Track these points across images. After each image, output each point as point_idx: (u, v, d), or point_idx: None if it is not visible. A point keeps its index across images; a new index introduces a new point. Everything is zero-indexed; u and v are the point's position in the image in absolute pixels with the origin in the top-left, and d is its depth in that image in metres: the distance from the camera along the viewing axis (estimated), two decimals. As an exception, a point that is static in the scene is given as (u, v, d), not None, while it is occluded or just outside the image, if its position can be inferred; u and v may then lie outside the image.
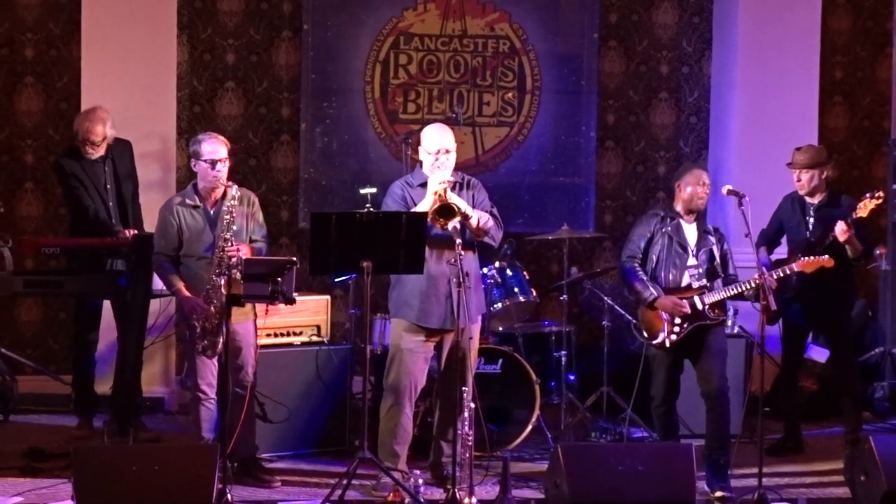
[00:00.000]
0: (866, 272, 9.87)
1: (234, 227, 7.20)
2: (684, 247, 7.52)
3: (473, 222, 7.23)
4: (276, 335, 8.15)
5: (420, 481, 6.98)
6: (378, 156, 10.00)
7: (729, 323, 8.33)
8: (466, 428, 7.00)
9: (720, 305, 7.50)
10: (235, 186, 7.29)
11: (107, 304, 8.49)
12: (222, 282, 7.02)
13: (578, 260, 9.86)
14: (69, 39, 9.62)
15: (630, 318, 8.45)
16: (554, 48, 10.18)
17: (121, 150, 8.52)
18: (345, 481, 6.92)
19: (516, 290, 8.73)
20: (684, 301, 7.42)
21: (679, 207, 7.62)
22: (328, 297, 8.56)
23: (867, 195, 7.88)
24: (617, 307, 8.96)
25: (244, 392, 7.31)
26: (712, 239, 7.60)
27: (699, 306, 7.43)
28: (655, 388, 7.60)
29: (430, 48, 10.07)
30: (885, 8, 10.53)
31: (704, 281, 7.50)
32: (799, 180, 8.26)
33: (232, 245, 7.10)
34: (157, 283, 7.84)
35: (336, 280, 8.73)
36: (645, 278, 7.52)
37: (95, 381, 8.59)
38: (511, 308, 8.72)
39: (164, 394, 9.21)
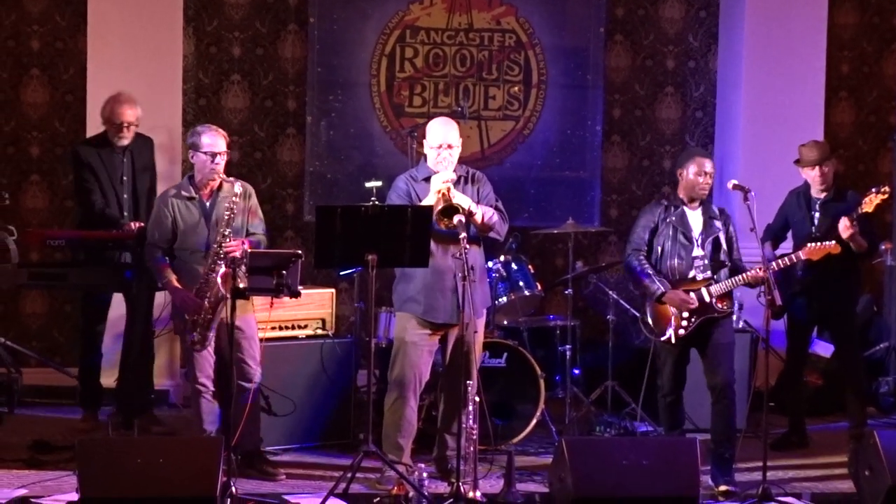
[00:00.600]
0: (871, 267, 9.87)
1: (234, 224, 7.20)
2: (689, 237, 7.46)
3: (478, 218, 7.22)
4: (280, 328, 8.15)
5: (424, 475, 6.97)
6: (384, 149, 10.00)
7: (734, 317, 8.31)
8: (471, 421, 6.99)
9: (727, 297, 7.46)
10: (239, 182, 7.28)
11: (118, 297, 8.47)
12: (218, 277, 7.02)
13: (583, 254, 9.85)
14: (75, 32, 9.62)
15: (635, 312, 8.43)
16: (560, 42, 10.18)
17: (142, 144, 8.46)
18: (349, 474, 6.93)
19: (521, 284, 8.72)
20: (692, 295, 7.37)
21: (682, 195, 7.57)
22: (333, 290, 8.56)
23: (873, 190, 7.86)
24: (622, 301, 8.96)
25: (249, 385, 7.31)
26: (718, 224, 7.49)
27: (706, 298, 7.37)
28: (663, 379, 7.58)
29: (437, 42, 10.06)
30: (891, 3, 10.52)
31: (710, 273, 7.46)
32: (822, 174, 8.19)
33: (231, 241, 7.09)
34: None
35: (341, 273, 8.73)
36: (652, 272, 7.46)
37: (101, 374, 8.59)
38: (516, 302, 8.71)
39: (169, 386, 9.22)
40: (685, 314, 7.38)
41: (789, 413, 8.58)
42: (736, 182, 7.42)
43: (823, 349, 9.30)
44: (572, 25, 10.22)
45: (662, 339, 7.47)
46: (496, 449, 7.71)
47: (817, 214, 8.25)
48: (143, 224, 8.23)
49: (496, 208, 7.37)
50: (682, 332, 7.41)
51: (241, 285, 6.81)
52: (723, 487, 7.26)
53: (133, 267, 8.08)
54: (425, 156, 7.45)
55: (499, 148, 10.16)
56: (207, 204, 7.33)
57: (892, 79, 10.54)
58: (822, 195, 8.27)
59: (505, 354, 8.25)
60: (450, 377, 7.39)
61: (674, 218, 7.48)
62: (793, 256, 7.63)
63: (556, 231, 8.97)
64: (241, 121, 9.87)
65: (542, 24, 10.14)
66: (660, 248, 7.49)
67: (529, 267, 8.86)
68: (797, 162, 8.29)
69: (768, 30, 9.93)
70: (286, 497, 6.99)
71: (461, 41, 10.08)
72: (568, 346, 8.72)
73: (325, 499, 6.76)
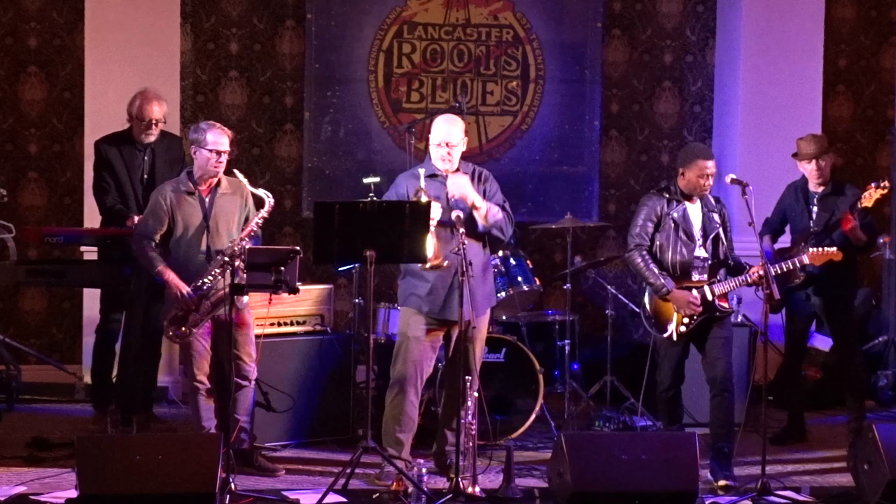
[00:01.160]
0: (870, 261, 9.87)
1: (234, 225, 7.23)
2: (690, 234, 7.43)
3: (482, 213, 7.18)
4: (279, 324, 8.15)
5: (423, 470, 6.96)
6: (382, 145, 10.00)
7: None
8: (470, 417, 6.99)
9: (727, 295, 7.45)
10: (245, 181, 7.24)
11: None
12: (221, 279, 7.01)
13: (582, 249, 9.86)
14: (72, 29, 9.63)
15: (634, 307, 8.43)
16: (558, 37, 10.17)
17: (168, 141, 8.31)
18: (348, 470, 6.93)
19: (520, 279, 8.71)
20: (697, 299, 7.32)
21: (683, 188, 7.51)
22: (331, 286, 8.55)
23: (872, 185, 7.85)
24: (620, 296, 8.97)
25: (245, 382, 7.31)
26: (716, 219, 7.45)
27: (709, 297, 7.35)
28: (662, 374, 7.55)
29: (434, 37, 10.06)
30: (888, -3, 10.54)
31: (712, 273, 7.43)
32: (819, 168, 8.17)
33: (236, 243, 7.09)
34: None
35: (339, 269, 8.73)
36: (657, 270, 7.37)
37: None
38: (515, 297, 8.70)
39: (168, 383, 9.21)
40: (688, 313, 7.36)
41: (788, 407, 8.58)
42: (734, 176, 7.40)
43: (822, 343, 9.30)
44: (570, 20, 10.21)
45: (665, 335, 7.45)
46: (495, 444, 7.70)
47: (815, 208, 8.23)
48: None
49: (502, 208, 7.33)
50: (683, 329, 7.39)
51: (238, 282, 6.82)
52: (722, 482, 7.25)
53: (131, 263, 8.04)
54: (430, 154, 7.43)
55: (497, 143, 10.16)
56: (206, 199, 7.32)
57: (889, 72, 10.53)
58: (820, 189, 8.25)
59: (504, 349, 8.24)
60: (450, 373, 7.38)
61: (676, 214, 7.43)
62: (795, 261, 7.61)
63: (554, 226, 8.97)
64: (238, 117, 9.87)
65: (540, 19, 10.14)
66: (659, 243, 7.45)
67: (528, 262, 8.85)
68: (795, 155, 8.28)
69: (766, 24, 9.93)
70: (285, 493, 6.97)
71: (459, 36, 10.08)
72: (567, 341, 8.72)
73: (325, 495, 6.75)
